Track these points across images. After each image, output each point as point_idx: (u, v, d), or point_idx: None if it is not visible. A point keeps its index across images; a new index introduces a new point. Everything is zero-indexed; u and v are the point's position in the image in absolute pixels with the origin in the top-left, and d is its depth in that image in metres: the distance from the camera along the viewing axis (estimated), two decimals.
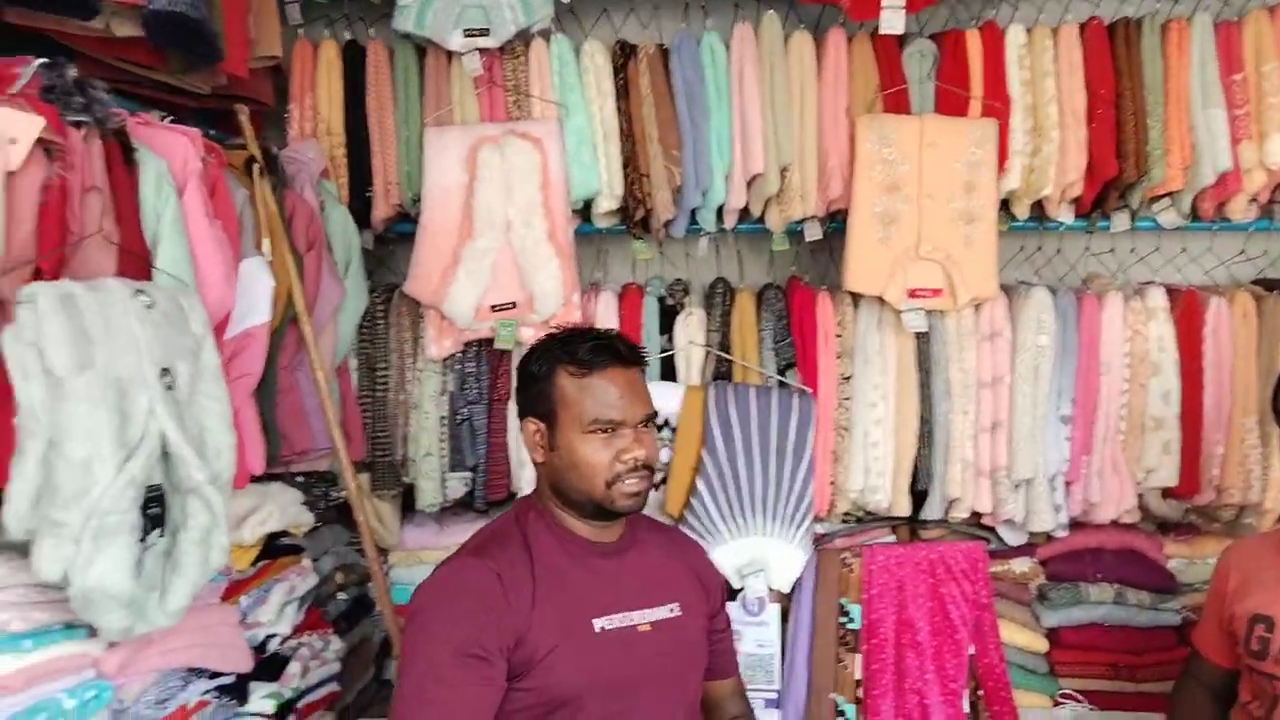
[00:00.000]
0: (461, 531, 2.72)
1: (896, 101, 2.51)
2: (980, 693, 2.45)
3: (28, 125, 1.46)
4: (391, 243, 2.81)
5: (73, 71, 1.63)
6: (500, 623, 1.51)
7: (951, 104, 2.49)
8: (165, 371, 1.62)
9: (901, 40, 2.52)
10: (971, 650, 2.45)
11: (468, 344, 2.56)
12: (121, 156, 1.74)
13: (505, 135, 2.47)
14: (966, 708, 2.43)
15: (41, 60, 1.59)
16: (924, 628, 2.45)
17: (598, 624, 1.60)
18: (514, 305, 2.49)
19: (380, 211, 2.60)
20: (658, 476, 2.47)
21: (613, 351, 1.62)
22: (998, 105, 2.46)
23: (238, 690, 2.01)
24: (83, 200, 1.62)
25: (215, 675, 1.93)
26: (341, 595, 2.56)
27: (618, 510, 1.62)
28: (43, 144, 1.50)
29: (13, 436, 1.47)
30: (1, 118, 1.44)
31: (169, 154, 1.85)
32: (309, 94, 2.58)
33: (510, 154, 2.45)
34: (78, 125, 1.61)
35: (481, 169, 2.45)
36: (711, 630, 1.81)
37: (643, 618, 1.66)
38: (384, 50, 2.59)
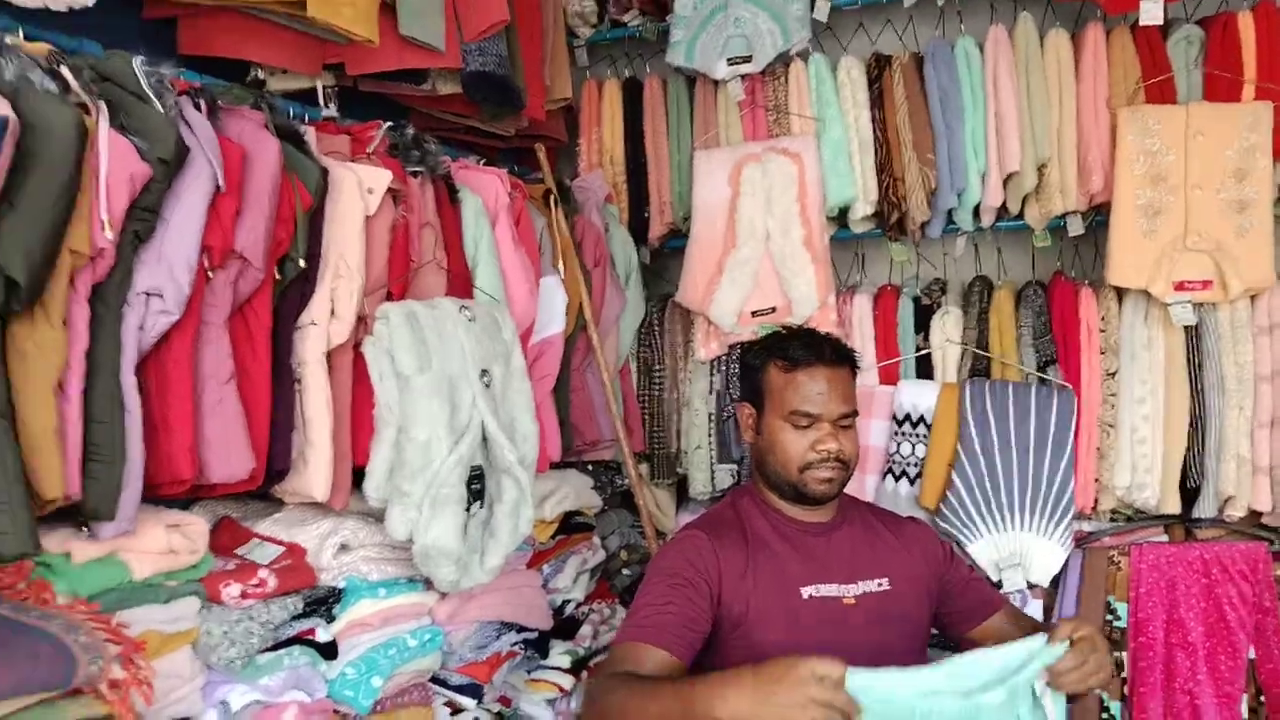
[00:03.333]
0: None
1: (1161, 91, 2.47)
2: (1262, 699, 2.36)
3: (380, 178, 1.85)
4: (665, 257, 3.10)
5: (410, 130, 2.02)
6: (708, 565, 1.70)
7: (1222, 89, 2.42)
8: (484, 372, 1.97)
9: (1166, 29, 2.47)
10: (1252, 655, 2.37)
11: (731, 346, 2.80)
12: (447, 196, 2.12)
13: (766, 152, 2.68)
14: (1245, 713, 2.35)
15: (389, 124, 1.99)
16: (1197, 629, 2.39)
17: (805, 591, 1.73)
18: (774, 310, 2.69)
19: (655, 229, 2.90)
20: (913, 471, 2.60)
21: (819, 351, 1.78)
22: (1275, 88, 2.36)
23: (540, 645, 2.36)
24: (419, 234, 2.01)
25: (522, 630, 2.29)
26: (625, 571, 2.88)
27: (809, 494, 1.76)
28: (391, 192, 1.89)
29: (372, 424, 1.87)
30: (363, 173, 1.83)
31: (483, 191, 2.22)
32: (595, 128, 2.92)
33: (770, 169, 2.65)
34: (415, 174, 2.00)
35: (744, 185, 2.67)
36: (946, 585, 1.87)
37: (848, 591, 1.76)
38: (659, 84, 2.89)
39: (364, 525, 1.92)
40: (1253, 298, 2.39)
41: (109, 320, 1.39)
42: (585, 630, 2.49)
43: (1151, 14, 2.35)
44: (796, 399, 1.75)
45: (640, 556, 2.95)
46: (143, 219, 1.41)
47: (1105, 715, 2.43)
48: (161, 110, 1.42)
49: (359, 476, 1.86)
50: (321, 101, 2.11)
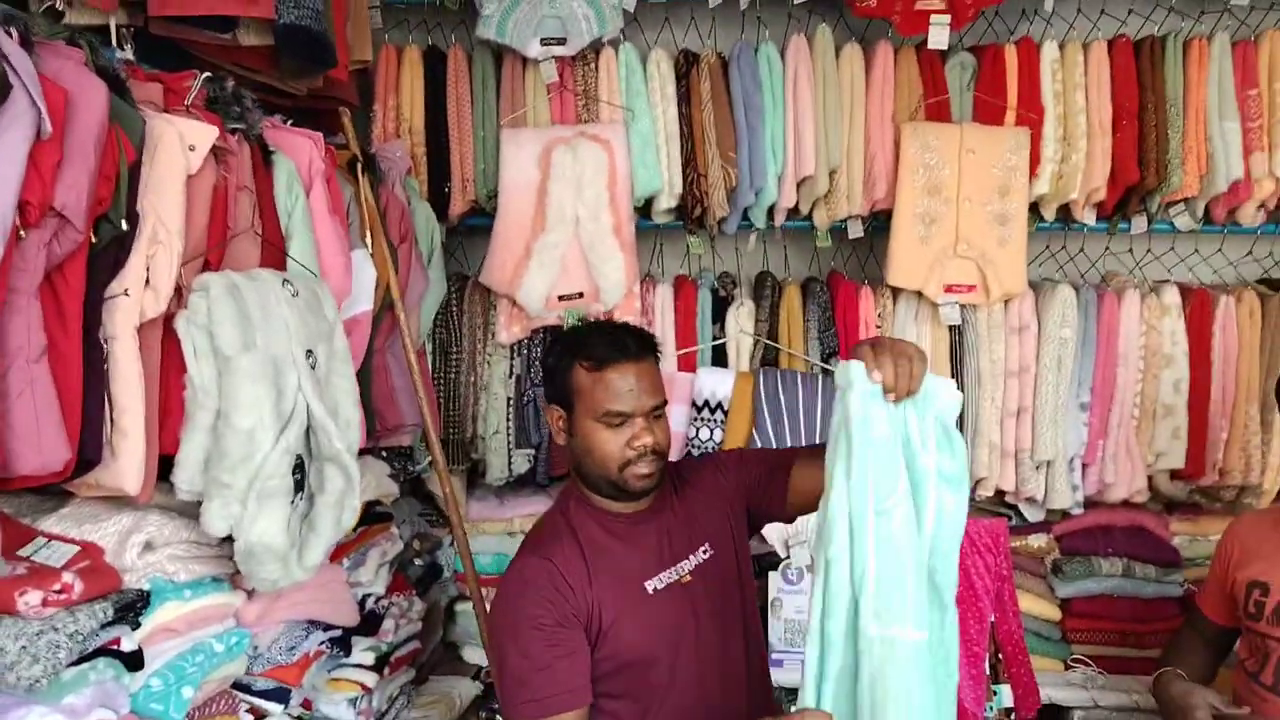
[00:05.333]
0: (519, 505, 2.95)
1: (938, 110, 2.72)
2: (1000, 656, 2.69)
3: (205, 134, 1.66)
4: (462, 235, 3.01)
5: (230, 84, 1.83)
6: (566, 603, 1.68)
7: (989, 113, 2.71)
8: (309, 353, 1.82)
9: (944, 53, 2.73)
10: (993, 618, 2.68)
11: (535, 330, 2.77)
12: (261, 158, 1.94)
13: (576, 137, 2.67)
14: (988, 670, 2.67)
15: (206, 75, 1.78)
16: None
17: (649, 585, 1.75)
18: (580, 295, 2.70)
19: (456, 207, 2.80)
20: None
21: (622, 347, 1.73)
22: (1031, 115, 2.68)
23: (343, 642, 2.23)
24: (236, 199, 1.82)
25: (329, 628, 2.15)
26: (417, 561, 2.78)
27: (632, 491, 1.74)
28: (212, 151, 1.69)
29: (181, 408, 1.68)
30: (184, 127, 1.63)
31: (296, 155, 2.05)
32: (392, 95, 2.77)
33: (581, 154, 2.65)
34: (234, 132, 1.81)
35: (554, 168, 2.65)
36: (750, 493, 1.86)
37: (683, 569, 1.79)
38: (464, 56, 2.79)
39: (168, 520, 1.72)
40: (1006, 302, 2.70)
41: None
42: (387, 625, 2.38)
43: (937, 39, 2.58)
44: (608, 399, 1.71)
45: (430, 546, 2.86)
46: None
47: None
48: None
49: (163, 466, 1.67)
50: (115, 42, 1.85)
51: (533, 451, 2.81)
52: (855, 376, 1.40)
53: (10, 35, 1.30)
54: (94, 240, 1.46)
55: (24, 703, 1.40)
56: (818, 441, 2.62)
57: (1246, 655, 2.11)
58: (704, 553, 1.84)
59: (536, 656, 1.63)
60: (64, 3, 1.73)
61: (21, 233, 1.31)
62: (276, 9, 2.05)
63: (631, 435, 1.71)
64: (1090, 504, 2.80)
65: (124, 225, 1.48)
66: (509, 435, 2.79)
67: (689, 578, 1.81)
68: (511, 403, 2.80)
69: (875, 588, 1.35)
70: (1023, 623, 2.70)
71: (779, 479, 1.83)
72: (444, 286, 2.76)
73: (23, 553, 1.56)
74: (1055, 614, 2.80)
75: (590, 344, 1.75)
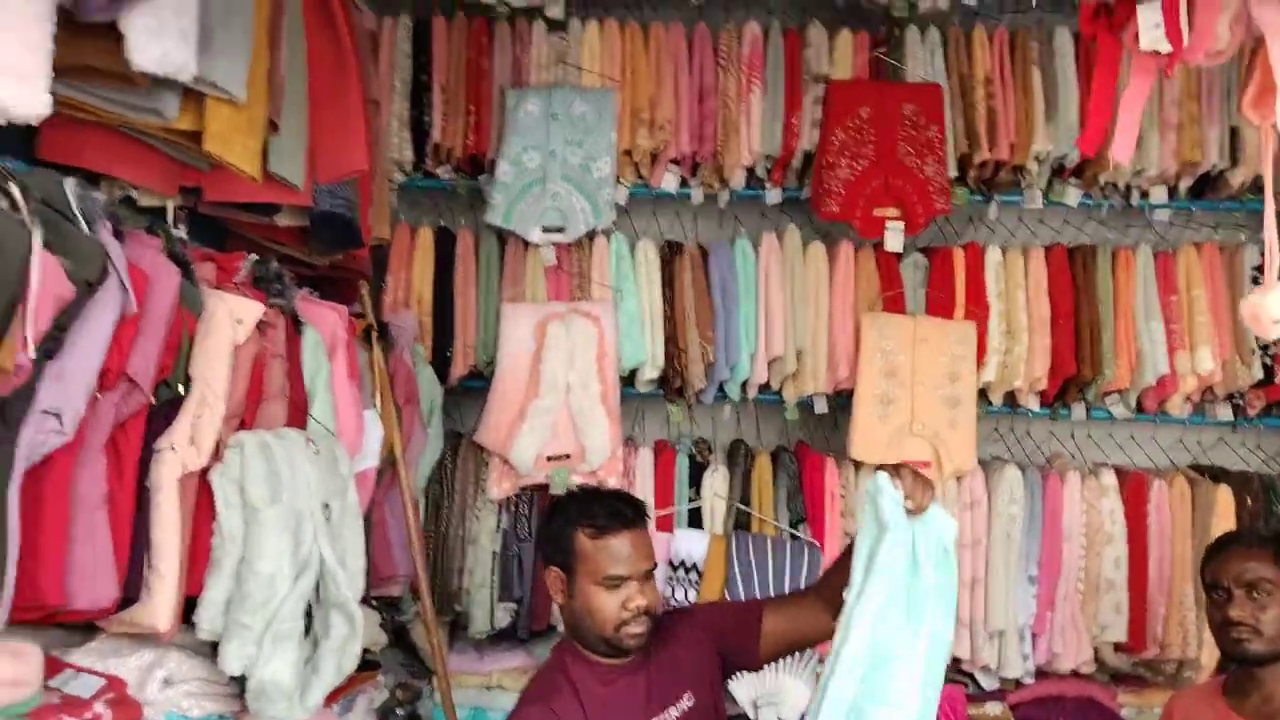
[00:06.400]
0: (497, 659, 3.06)
1: (894, 303, 3.03)
2: None
3: (251, 310, 1.90)
4: (459, 395, 3.24)
5: (274, 264, 2.08)
6: None
7: (939, 307, 3.02)
8: (325, 506, 2.01)
9: (900, 254, 3.06)
10: None
11: (524, 488, 2.96)
12: (293, 328, 2.17)
13: (570, 313, 2.95)
14: None
15: (254, 257, 2.04)
16: None
17: None
18: (568, 456, 2.91)
19: (457, 370, 3.05)
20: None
21: (622, 516, 1.87)
22: (977, 311, 2.99)
23: None
24: (270, 365, 2.04)
25: None
26: (399, 710, 2.87)
27: (625, 649, 1.86)
28: (257, 324, 1.93)
29: (207, 555, 1.85)
30: (234, 304, 1.87)
31: (322, 326, 2.28)
32: (405, 269, 3.06)
33: (573, 328, 2.92)
34: (273, 306, 2.05)
35: (549, 339, 2.91)
36: (720, 643, 1.97)
37: (670, 715, 1.90)
38: (472, 236, 3.09)
39: (187, 658, 1.86)
40: (958, 479, 2.93)
41: (4, 438, 1.35)
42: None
43: (892, 244, 2.92)
44: (608, 563, 1.83)
45: (413, 695, 2.95)
46: (54, 337, 1.40)
47: None
48: (89, 233, 1.44)
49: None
50: (171, 222, 2.11)
51: (515, 605, 2.95)
52: (883, 484, 1.62)
53: (107, 227, 1.55)
54: (153, 402, 1.67)
55: None
56: None
57: None
58: (687, 700, 1.95)
59: None
60: (135, 192, 1.99)
61: (98, 395, 1.52)
62: (315, 198, 2.33)
63: (627, 597, 1.83)
64: (1040, 674, 2.95)
65: (182, 390, 1.69)
66: (493, 589, 2.94)
67: None
68: (497, 556, 2.96)
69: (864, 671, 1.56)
70: None
71: (750, 626, 1.95)
72: (440, 444, 2.97)
73: (53, 684, 1.69)
74: None
75: (592, 512, 1.88)
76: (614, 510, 1.90)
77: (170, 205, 2.13)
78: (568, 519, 1.91)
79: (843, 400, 3.09)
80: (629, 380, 3.11)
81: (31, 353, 1.32)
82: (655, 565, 1.92)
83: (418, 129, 3.13)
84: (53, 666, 1.74)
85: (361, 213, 2.68)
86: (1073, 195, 3.10)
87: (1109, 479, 2.95)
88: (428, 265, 3.06)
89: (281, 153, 2.15)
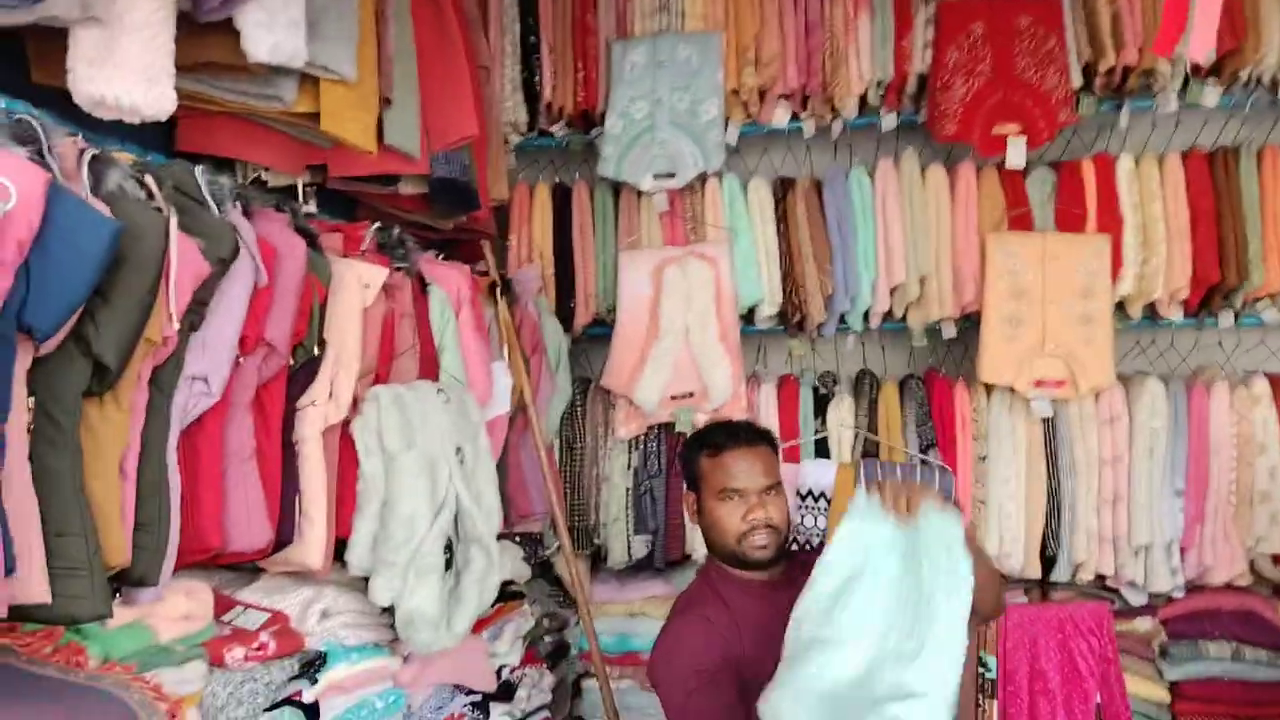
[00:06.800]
0: (638, 588, 3.20)
1: (1021, 221, 2.94)
2: None
3: (377, 275, 2.05)
4: (585, 343, 3.36)
5: (396, 231, 2.23)
6: (723, 647, 1.92)
7: (1070, 222, 2.91)
8: (458, 450, 2.16)
9: (1025, 169, 2.96)
10: (1099, 699, 2.76)
11: (651, 427, 3.07)
12: (419, 288, 2.33)
13: (685, 256, 3.01)
14: None
15: (377, 225, 2.19)
16: (1055, 678, 2.77)
17: None
18: (691, 395, 2.99)
19: (581, 319, 3.17)
20: (816, 540, 2.91)
21: (736, 435, 2.02)
22: (1111, 223, 2.87)
23: (483, 707, 2.51)
24: (400, 324, 2.20)
25: (470, 693, 2.44)
26: (547, 638, 3.06)
27: (749, 560, 1.96)
28: (382, 286, 2.08)
29: (351, 499, 2.03)
30: (361, 270, 2.02)
31: (447, 285, 2.43)
32: (525, 226, 3.19)
33: (689, 271, 2.98)
34: (398, 270, 2.20)
35: (666, 284, 2.98)
36: None
37: None
38: (586, 190, 3.19)
39: (342, 593, 2.06)
40: (1096, 395, 2.84)
41: (161, 403, 1.54)
42: (522, 693, 2.66)
43: (1014, 160, 2.83)
44: (724, 478, 1.97)
45: (559, 624, 3.14)
46: (196, 311, 1.57)
47: None
48: (219, 215, 1.60)
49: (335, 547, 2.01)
50: (301, 198, 2.28)
51: (650, 537, 3.07)
52: (859, 503, 1.76)
53: (236, 207, 1.71)
54: (291, 363, 1.84)
55: None
56: None
57: None
58: None
59: (703, 706, 1.87)
60: (264, 172, 2.17)
61: (240, 359, 1.70)
62: (431, 166, 2.47)
63: (746, 510, 1.95)
64: (1192, 588, 2.86)
65: (316, 351, 1.86)
66: (628, 522, 3.07)
67: None
68: (630, 493, 3.09)
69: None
70: (1130, 705, 2.77)
71: None
72: (569, 390, 3.10)
73: (225, 619, 1.91)
74: (1164, 697, 2.85)
75: (711, 435, 2.07)
76: (730, 431, 2.06)
77: (300, 183, 2.31)
78: (691, 445, 2.09)
79: (972, 324, 3.04)
80: (749, 318, 3.15)
81: (176, 324, 1.50)
82: (777, 482, 2.01)
83: (530, 90, 3.22)
84: (223, 604, 1.96)
85: (480, 176, 2.81)
86: (1211, 95, 2.90)
87: (1261, 387, 2.80)
88: (547, 220, 3.17)
89: (396, 125, 2.28)
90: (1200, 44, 1.26)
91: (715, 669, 1.89)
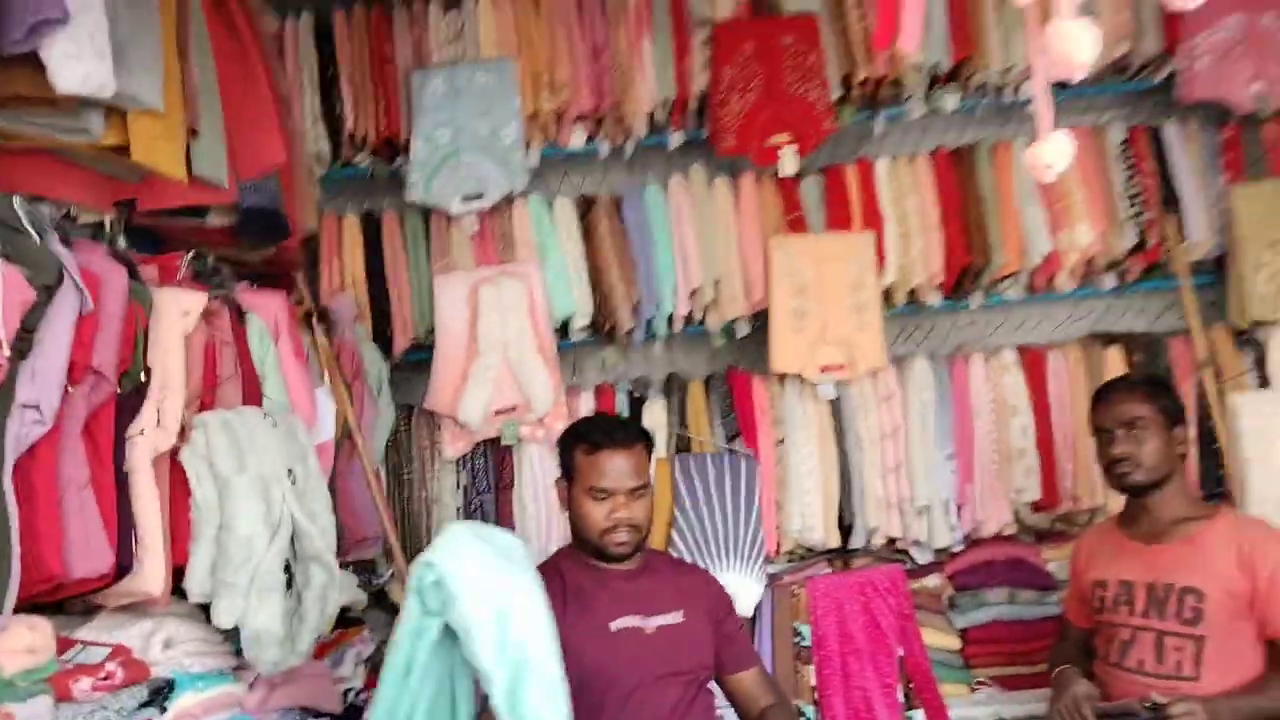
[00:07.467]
0: None
1: (797, 224, 3.26)
2: (911, 685, 3.06)
3: (196, 301, 2.07)
4: (405, 370, 3.42)
5: (211, 259, 2.25)
6: None
7: (839, 222, 3.26)
8: (290, 471, 2.20)
9: (798, 177, 3.28)
10: (900, 653, 3.06)
11: (477, 444, 3.18)
12: (236, 317, 2.35)
13: (498, 275, 3.14)
14: (901, 698, 3.04)
15: (192, 253, 2.21)
16: (861, 638, 3.05)
17: (613, 625, 2.14)
18: (515, 408, 3.11)
19: (399, 344, 3.24)
20: None
21: (613, 437, 2.17)
22: (874, 220, 3.23)
23: None
24: (222, 351, 2.22)
25: (318, 715, 2.46)
26: None
27: (609, 554, 2.15)
28: (203, 314, 2.11)
29: (188, 527, 2.04)
30: (182, 297, 2.05)
31: (264, 313, 2.46)
32: (336, 256, 3.23)
33: (504, 290, 3.11)
34: (216, 298, 2.22)
35: (482, 303, 3.10)
36: (720, 631, 2.26)
37: (650, 623, 2.17)
38: (395, 217, 3.27)
39: (183, 622, 2.05)
40: (873, 376, 3.18)
41: None
42: (368, 714, 2.68)
43: (787, 168, 3.14)
44: (595, 477, 2.13)
45: None
46: (23, 339, 1.58)
47: (801, 718, 3.01)
48: (41, 243, 1.61)
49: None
50: (109, 235, 2.27)
51: None
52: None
53: (55, 236, 1.72)
54: (119, 391, 1.85)
55: None
56: (729, 510, 3.04)
57: (1101, 645, 2.51)
58: (674, 618, 2.19)
59: None
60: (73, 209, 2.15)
61: (70, 388, 1.70)
62: (241, 195, 2.50)
63: (612, 508, 2.12)
64: (971, 543, 3.24)
65: (143, 378, 1.87)
66: None
67: (653, 630, 2.17)
68: (460, 511, 3.18)
69: None
70: (928, 654, 3.08)
71: (732, 665, 2.27)
72: (393, 414, 3.16)
73: (66, 658, 1.88)
74: (956, 644, 3.18)
75: (590, 431, 2.19)
76: (607, 430, 2.19)
77: (107, 219, 2.29)
78: (571, 437, 2.23)
79: (762, 322, 3.32)
80: (563, 332, 3.32)
81: (7, 351, 1.50)
82: (645, 484, 2.18)
83: (331, 121, 3.27)
84: (61, 645, 1.92)
85: (289, 207, 2.85)
86: (950, 101, 3.33)
87: (1009, 357, 3.23)
88: (357, 249, 3.23)
89: (204, 155, 2.31)
90: (908, 38, 1.48)
91: None
